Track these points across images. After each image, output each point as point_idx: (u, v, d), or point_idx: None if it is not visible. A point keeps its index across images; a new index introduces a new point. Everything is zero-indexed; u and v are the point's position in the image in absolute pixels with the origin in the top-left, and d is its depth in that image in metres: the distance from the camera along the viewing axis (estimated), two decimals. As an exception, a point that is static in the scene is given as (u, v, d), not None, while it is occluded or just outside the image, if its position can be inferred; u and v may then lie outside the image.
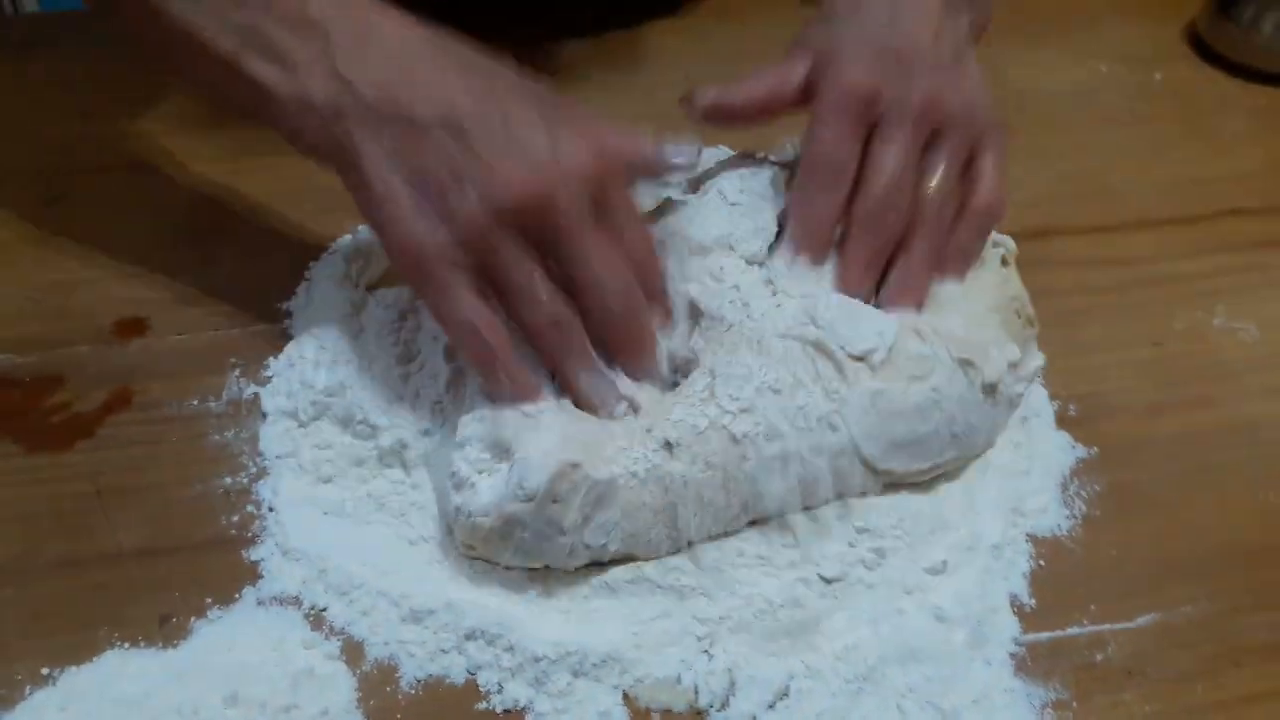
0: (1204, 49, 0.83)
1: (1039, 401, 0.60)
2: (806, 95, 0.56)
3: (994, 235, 0.58)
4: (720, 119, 0.57)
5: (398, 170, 0.50)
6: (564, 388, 0.52)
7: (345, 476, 0.54)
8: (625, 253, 0.52)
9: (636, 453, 0.50)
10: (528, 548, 0.50)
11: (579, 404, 0.52)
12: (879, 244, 0.55)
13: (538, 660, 0.48)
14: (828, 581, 0.51)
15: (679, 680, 0.48)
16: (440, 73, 0.51)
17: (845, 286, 0.55)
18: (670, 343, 0.54)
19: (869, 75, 0.54)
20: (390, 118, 0.50)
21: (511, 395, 0.51)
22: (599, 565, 0.51)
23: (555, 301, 0.51)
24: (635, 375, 0.53)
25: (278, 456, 0.55)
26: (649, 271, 0.53)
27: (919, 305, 0.55)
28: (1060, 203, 0.72)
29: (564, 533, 0.49)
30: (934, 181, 0.55)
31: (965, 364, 0.53)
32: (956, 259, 0.56)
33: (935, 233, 0.55)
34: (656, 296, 0.54)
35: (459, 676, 0.48)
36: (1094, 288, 0.67)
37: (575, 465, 0.48)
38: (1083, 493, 0.56)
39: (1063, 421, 0.60)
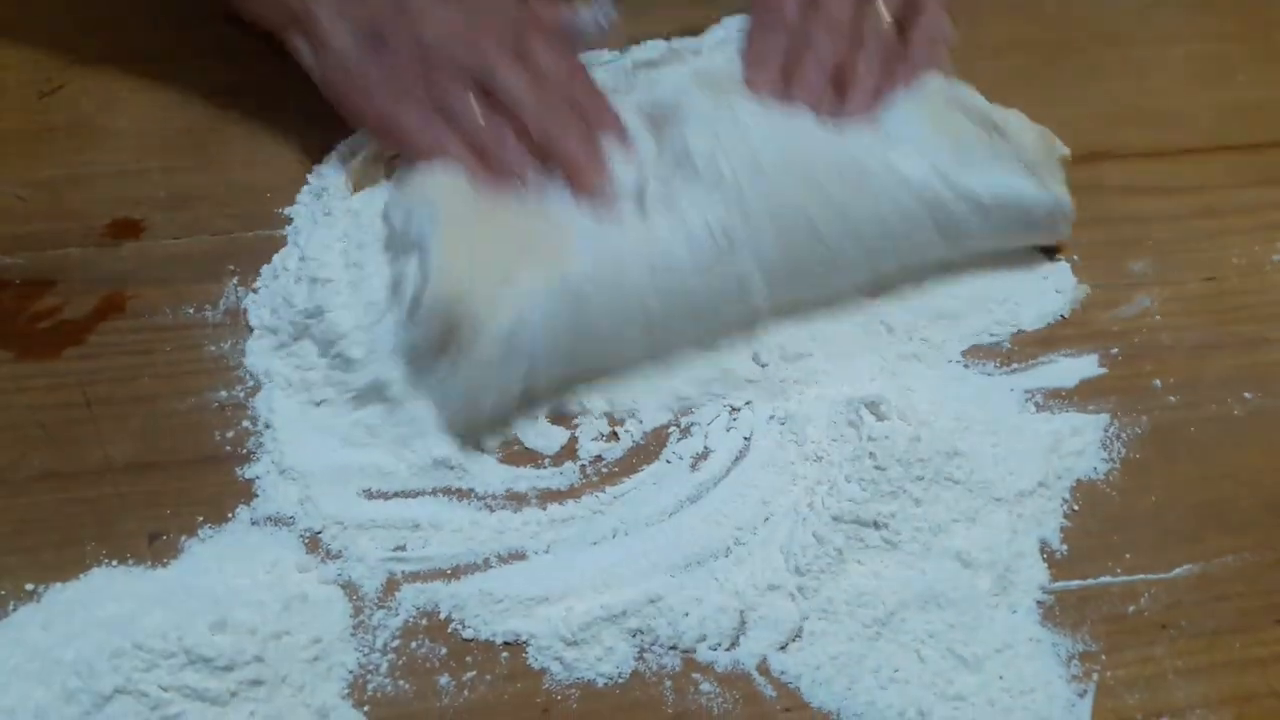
0: (1274, -38, 0.77)
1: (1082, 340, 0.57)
2: None
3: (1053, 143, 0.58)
4: None
5: (344, 18, 0.56)
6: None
7: (333, 402, 0.52)
8: (555, 80, 0.56)
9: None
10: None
11: None
12: (819, 60, 0.58)
13: (535, 599, 0.46)
14: (856, 523, 0.48)
15: (686, 615, 0.46)
16: None
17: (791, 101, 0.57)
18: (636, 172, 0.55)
19: None
20: None
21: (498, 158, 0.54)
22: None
23: (490, 115, 0.55)
24: (592, 196, 0.54)
25: (264, 373, 0.53)
26: (584, 93, 0.57)
27: (870, 110, 0.57)
28: (1112, 124, 0.67)
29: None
30: (870, 15, 0.59)
31: None
32: (903, 74, 0.58)
33: (879, 49, 0.58)
34: (601, 117, 0.56)
35: (450, 609, 0.46)
36: (1144, 216, 0.63)
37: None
38: (1123, 435, 0.53)
39: (1105, 360, 0.56)
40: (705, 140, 0.53)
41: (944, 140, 0.55)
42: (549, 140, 0.54)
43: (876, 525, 0.48)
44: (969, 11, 0.71)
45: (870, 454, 0.49)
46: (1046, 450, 0.52)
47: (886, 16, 0.59)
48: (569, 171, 0.54)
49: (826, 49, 0.58)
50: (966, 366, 0.56)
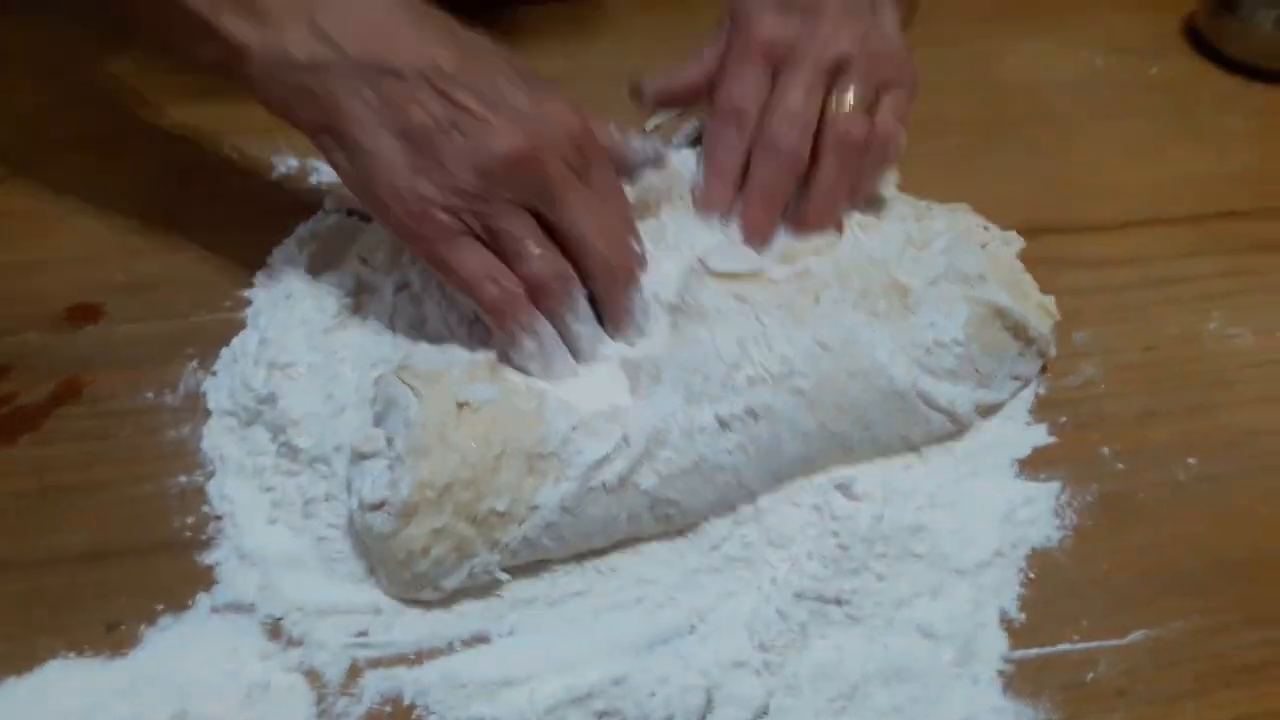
0: (1201, 43, 0.81)
1: (1027, 407, 0.59)
2: None
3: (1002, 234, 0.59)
4: (668, 104, 0.62)
5: (385, 125, 0.49)
6: (561, 337, 0.52)
7: (282, 487, 0.52)
8: (610, 213, 0.53)
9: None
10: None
11: (573, 352, 0.52)
12: (775, 174, 0.56)
13: (499, 683, 0.46)
14: (819, 600, 0.49)
15: (652, 695, 0.46)
16: (421, 30, 0.51)
17: (746, 222, 0.56)
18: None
19: (772, 25, 0.57)
20: (374, 71, 0.49)
21: (527, 347, 0.51)
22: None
23: (552, 254, 0.51)
24: (617, 332, 0.53)
25: (220, 458, 0.52)
26: (629, 232, 0.54)
27: (829, 226, 0.57)
28: (1050, 200, 0.70)
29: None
30: (835, 112, 0.57)
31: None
32: (856, 185, 0.57)
33: (839, 159, 0.57)
34: (635, 258, 0.54)
35: (414, 694, 0.46)
36: (1085, 289, 0.65)
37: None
38: (1074, 502, 0.54)
39: (1054, 428, 0.58)
40: (731, 349, 0.51)
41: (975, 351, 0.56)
42: (608, 286, 0.52)
43: (839, 602, 0.49)
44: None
45: (834, 533, 0.50)
46: (1001, 519, 0.53)
47: (848, 105, 0.57)
48: (610, 311, 0.53)
49: (788, 144, 0.56)
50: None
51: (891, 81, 0.59)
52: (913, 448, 0.55)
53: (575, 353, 0.52)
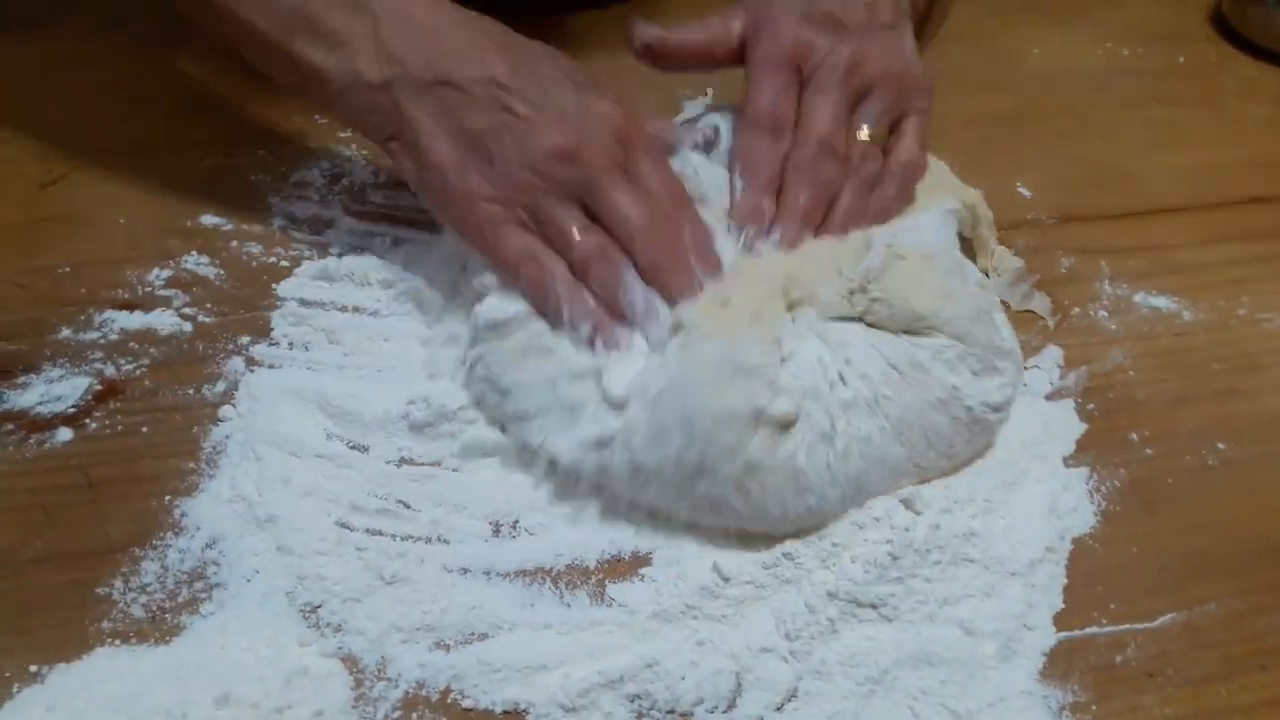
0: (1228, 31, 0.81)
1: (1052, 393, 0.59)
2: (740, 53, 0.60)
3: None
4: (657, 58, 0.61)
5: (444, 130, 0.55)
6: (616, 317, 0.53)
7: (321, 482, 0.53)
8: (654, 196, 0.55)
9: None
10: None
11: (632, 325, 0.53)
12: (815, 191, 0.57)
13: (533, 667, 0.47)
14: (853, 603, 0.49)
15: (683, 678, 0.47)
16: (478, 45, 0.56)
17: (783, 237, 0.56)
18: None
19: (800, 34, 0.59)
20: (435, 85, 0.55)
21: (571, 316, 0.52)
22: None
23: (595, 235, 0.54)
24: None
25: (256, 455, 0.53)
26: (691, 222, 0.55)
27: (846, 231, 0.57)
28: (1078, 188, 0.70)
29: None
30: (862, 135, 0.58)
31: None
32: (880, 212, 0.58)
33: (862, 183, 0.58)
34: (706, 256, 0.54)
35: (450, 679, 0.47)
36: (1113, 275, 0.65)
37: None
38: (1103, 487, 0.55)
39: (1083, 414, 0.58)
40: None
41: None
42: (657, 264, 0.53)
43: (874, 606, 0.49)
44: (940, 85, 0.75)
45: (888, 540, 0.50)
46: (1046, 513, 0.53)
47: (869, 135, 0.59)
48: (663, 286, 0.53)
49: (823, 173, 0.57)
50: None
51: (913, 105, 0.60)
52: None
53: (634, 325, 0.53)
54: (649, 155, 0.56)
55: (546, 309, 0.53)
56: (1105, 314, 0.63)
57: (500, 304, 0.54)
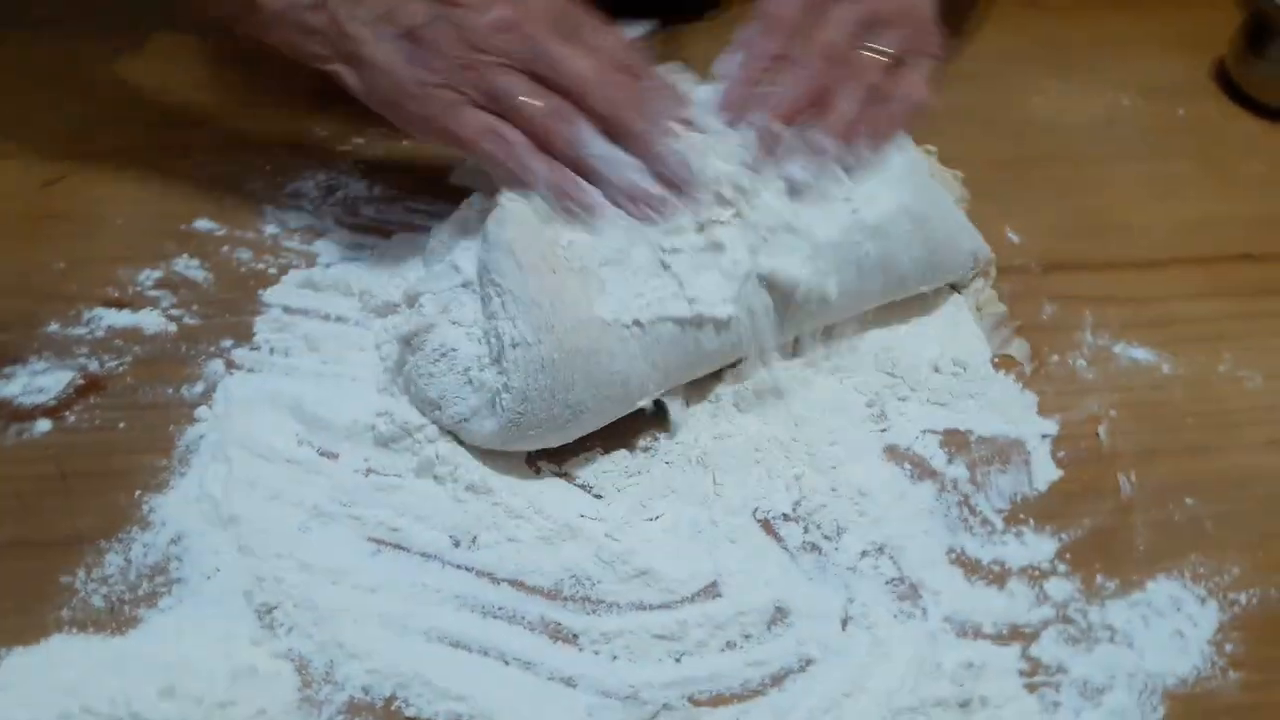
0: (1231, 87, 0.81)
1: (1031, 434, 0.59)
2: None
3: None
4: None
5: (384, 36, 0.55)
6: (584, 175, 0.55)
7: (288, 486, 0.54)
8: (603, 53, 0.55)
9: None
10: None
11: (600, 186, 0.55)
12: (797, 95, 0.57)
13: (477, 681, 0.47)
14: None
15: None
16: None
17: (757, 121, 0.57)
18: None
19: None
20: None
21: (547, 178, 0.54)
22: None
23: (548, 97, 0.54)
24: (646, 158, 0.55)
25: (227, 457, 0.55)
26: (632, 63, 0.56)
27: (844, 139, 0.58)
28: (1068, 236, 0.70)
29: None
30: (868, 49, 0.59)
31: None
32: (874, 130, 0.59)
33: (860, 90, 0.58)
34: (665, 102, 0.56)
35: (395, 686, 0.48)
36: (1095, 325, 0.65)
37: None
38: (1062, 535, 0.54)
39: (1054, 461, 0.58)
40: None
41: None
42: (616, 112, 0.54)
43: None
44: (937, 129, 0.75)
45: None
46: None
47: (880, 55, 0.60)
48: (626, 137, 0.54)
49: (818, 71, 0.58)
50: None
51: (921, 47, 0.61)
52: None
53: (598, 183, 0.55)
54: (598, 27, 0.56)
55: (518, 178, 0.54)
56: (1084, 363, 0.63)
57: (406, 316, 0.56)
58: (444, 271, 0.56)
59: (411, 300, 0.56)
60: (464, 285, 0.55)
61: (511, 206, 0.54)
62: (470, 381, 0.53)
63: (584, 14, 0.56)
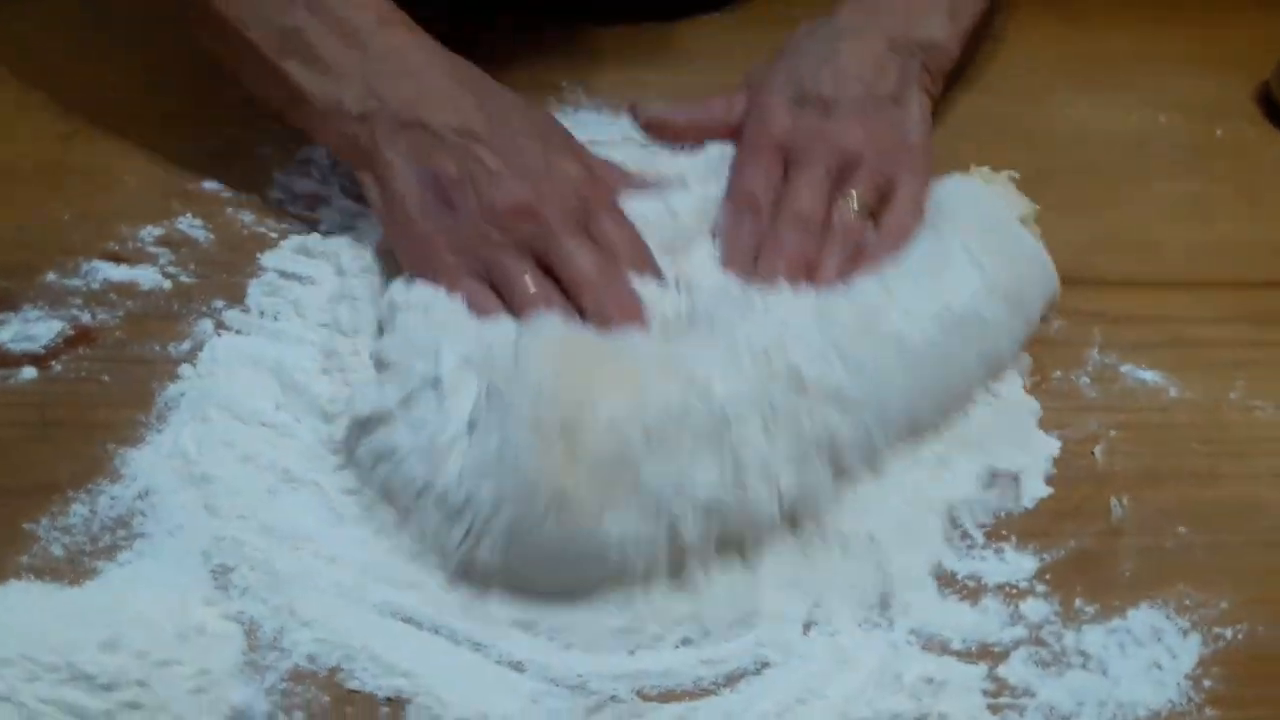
0: (1274, 110, 0.78)
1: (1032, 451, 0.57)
2: (738, 130, 0.65)
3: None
4: (659, 134, 0.68)
5: (412, 171, 0.57)
6: None
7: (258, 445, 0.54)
8: (610, 251, 0.57)
9: None
10: None
11: None
12: (787, 262, 0.58)
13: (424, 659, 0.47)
14: None
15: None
16: (459, 93, 0.59)
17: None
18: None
19: (785, 119, 0.63)
20: (411, 125, 0.57)
21: None
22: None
23: (546, 289, 0.55)
24: None
25: (204, 417, 0.55)
26: (636, 263, 0.57)
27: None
28: (1088, 252, 0.68)
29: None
30: (849, 209, 0.60)
31: None
32: (863, 263, 0.59)
33: (841, 250, 0.59)
34: (632, 300, 0.56)
35: (341, 658, 0.47)
36: (1104, 343, 0.63)
37: None
38: (1044, 555, 0.53)
39: (1048, 480, 0.56)
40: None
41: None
42: (603, 320, 0.54)
43: None
44: (962, 133, 0.73)
45: None
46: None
47: (854, 208, 0.61)
48: None
49: (794, 244, 0.59)
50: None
51: (901, 174, 0.62)
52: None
53: None
54: (610, 213, 0.58)
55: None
56: (1087, 380, 0.61)
57: (362, 393, 0.53)
58: (421, 353, 0.52)
59: (380, 364, 0.54)
60: (433, 384, 0.51)
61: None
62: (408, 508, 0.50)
63: (604, 200, 0.58)
